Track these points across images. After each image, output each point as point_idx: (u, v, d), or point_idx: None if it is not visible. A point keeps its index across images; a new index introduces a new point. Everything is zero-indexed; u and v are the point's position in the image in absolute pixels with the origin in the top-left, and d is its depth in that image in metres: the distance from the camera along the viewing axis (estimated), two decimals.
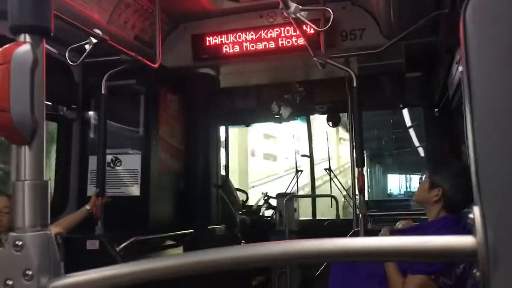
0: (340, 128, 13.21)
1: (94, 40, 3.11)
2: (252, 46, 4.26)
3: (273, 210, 5.68)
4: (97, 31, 3.12)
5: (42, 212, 0.92)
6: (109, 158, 3.97)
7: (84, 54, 3.17)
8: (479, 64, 0.70)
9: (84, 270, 0.88)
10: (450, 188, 2.40)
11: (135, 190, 4.00)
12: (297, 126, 7.16)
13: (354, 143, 3.81)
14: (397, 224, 2.77)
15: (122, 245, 3.43)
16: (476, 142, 0.69)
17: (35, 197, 0.91)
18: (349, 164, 4.70)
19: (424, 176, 2.58)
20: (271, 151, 15.48)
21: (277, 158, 15.55)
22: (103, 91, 3.57)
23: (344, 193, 6.81)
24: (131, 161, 4.04)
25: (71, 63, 3.24)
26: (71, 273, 0.90)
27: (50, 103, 3.88)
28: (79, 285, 0.89)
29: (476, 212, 0.68)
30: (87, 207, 3.55)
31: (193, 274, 0.87)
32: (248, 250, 0.88)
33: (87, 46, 3.15)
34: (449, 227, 2.34)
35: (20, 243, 0.88)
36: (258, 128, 12.72)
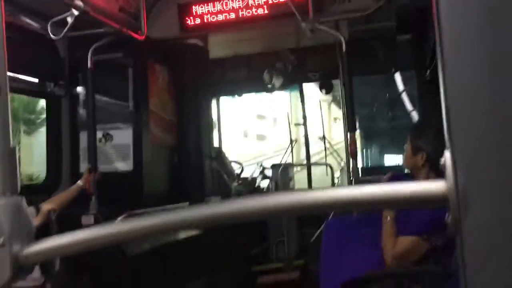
0: (334, 106, 13.16)
1: (76, 12, 3.04)
2: (240, 14, 4.18)
3: (269, 181, 5.69)
4: (79, 2, 3.05)
5: (11, 179, 0.90)
6: (100, 134, 3.94)
7: (67, 27, 3.11)
8: (450, 14, 0.67)
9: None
10: (433, 150, 2.39)
11: (128, 165, 3.99)
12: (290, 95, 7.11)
13: (346, 108, 3.79)
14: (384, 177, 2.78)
15: (118, 220, 3.43)
16: (446, 87, 0.67)
17: (2, 164, 0.89)
18: (342, 145, 4.67)
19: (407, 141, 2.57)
20: (263, 131, 15.48)
21: (267, 138, 15.56)
22: (89, 66, 3.52)
23: (340, 161, 6.83)
24: (123, 136, 4.01)
25: (53, 36, 3.18)
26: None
27: (36, 80, 3.82)
28: (53, 249, 0.87)
29: (447, 157, 0.66)
30: (80, 183, 3.55)
31: (167, 231, 0.86)
32: (240, 203, 0.85)
33: (69, 19, 3.09)
34: None
35: None
36: (252, 108, 12.69)
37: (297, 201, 0.75)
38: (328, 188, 0.71)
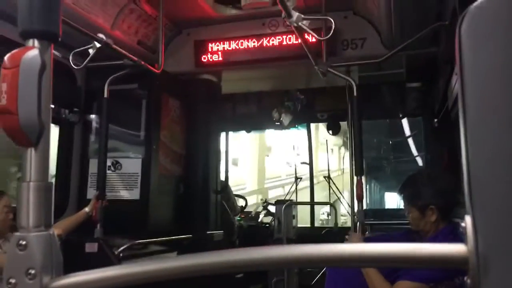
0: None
1: (97, 45, 3.14)
2: (254, 54, 4.29)
3: (272, 217, 5.69)
4: (101, 35, 3.16)
5: (46, 213, 0.94)
6: (109, 161, 3.99)
7: (88, 58, 3.20)
8: (473, 79, 0.72)
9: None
10: (440, 199, 2.34)
11: (135, 194, 4.01)
12: (297, 134, 7.18)
13: (353, 152, 3.83)
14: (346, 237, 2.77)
15: (121, 249, 3.44)
16: (468, 153, 0.71)
17: (39, 198, 0.93)
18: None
19: (405, 207, 2.52)
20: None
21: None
22: (105, 95, 3.60)
23: (343, 201, 6.82)
24: (132, 165, 4.06)
25: (74, 67, 3.27)
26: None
27: (52, 106, 3.89)
28: (80, 284, 0.90)
29: (467, 221, 0.70)
30: (87, 209, 3.57)
31: (190, 277, 0.89)
32: (242, 253, 0.89)
33: (90, 51, 3.19)
34: (448, 238, 2.32)
35: (24, 242, 0.90)
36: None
37: (318, 254, 0.79)
38: (350, 245, 0.75)
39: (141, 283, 0.88)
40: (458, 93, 0.76)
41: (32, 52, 0.94)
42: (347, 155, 12.36)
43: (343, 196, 6.72)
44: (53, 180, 3.98)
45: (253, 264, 0.87)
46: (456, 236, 2.31)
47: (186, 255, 0.93)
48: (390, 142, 9.62)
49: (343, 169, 11.80)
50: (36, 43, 0.96)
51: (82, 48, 3.26)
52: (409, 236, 2.55)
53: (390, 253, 0.76)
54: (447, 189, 2.36)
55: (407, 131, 7.25)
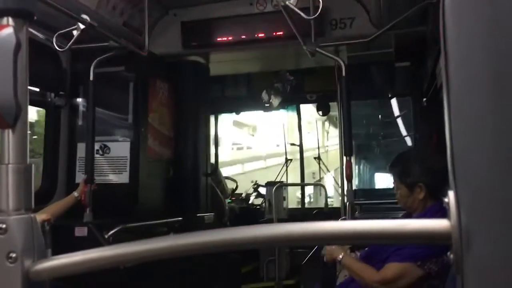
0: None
1: (81, 26, 3.08)
2: (242, 34, 4.24)
3: (262, 199, 5.71)
4: (85, 16, 3.09)
5: (26, 196, 0.92)
6: (97, 145, 3.95)
7: (72, 40, 3.14)
8: (457, 54, 0.71)
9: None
10: (428, 177, 2.38)
11: (124, 178, 3.99)
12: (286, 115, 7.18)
13: (342, 132, 3.83)
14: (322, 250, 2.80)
15: (111, 232, 3.43)
16: (452, 130, 0.71)
17: (18, 181, 0.91)
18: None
19: (394, 184, 2.54)
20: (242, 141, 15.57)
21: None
22: (91, 78, 3.55)
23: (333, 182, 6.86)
24: (120, 148, 4.02)
25: (58, 49, 3.21)
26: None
27: (37, 90, 3.84)
28: (63, 267, 0.89)
29: (450, 197, 0.70)
30: (75, 194, 3.54)
31: (179, 257, 0.88)
32: (233, 233, 0.88)
33: (74, 32, 3.12)
34: (436, 216, 2.34)
35: (3, 226, 0.89)
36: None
37: (305, 232, 0.78)
38: (334, 222, 0.74)
39: (123, 265, 0.87)
40: (442, 70, 0.75)
41: (7, 30, 0.91)
42: (331, 129, 12.37)
43: (333, 177, 6.75)
44: (40, 165, 3.97)
45: (242, 243, 0.86)
46: (445, 214, 2.31)
47: (172, 236, 0.92)
48: (380, 122, 9.66)
49: (327, 146, 11.76)
50: (11, 21, 0.93)
51: (66, 30, 3.19)
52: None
53: (375, 230, 0.76)
54: (435, 167, 2.38)
55: (396, 111, 7.28)
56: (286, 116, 6.90)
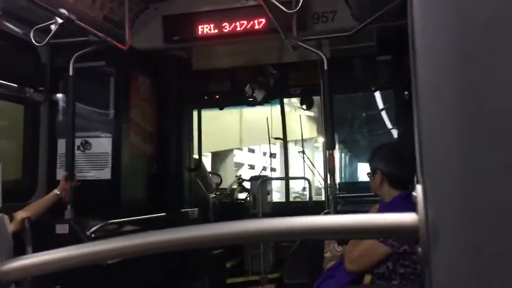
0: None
1: (60, 20, 3.03)
2: (225, 28, 4.21)
3: (247, 193, 5.71)
4: (63, 10, 3.04)
5: None
6: (78, 141, 3.90)
7: (50, 35, 3.09)
8: (424, 48, 0.71)
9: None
10: (384, 166, 2.57)
11: (106, 174, 3.95)
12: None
13: (325, 126, 3.84)
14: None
15: (93, 229, 3.40)
16: (420, 124, 0.70)
17: None
18: None
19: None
20: None
21: None
22: (70, 73, 3.50)
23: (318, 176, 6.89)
24: (102, 144, 3.98)
25: (36, 43, 3.16)
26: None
27: (16, 85, 3.77)
28: (30, 267, 0.88)
29: (418, 190, 0.70)
30: (56, 191, 3.50)
31: (161, 252, 0.86)
32: (216, 228, 0.87)
33: (52, 27, 3.08)
34: (400, 205, 2.45)
35: None
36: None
37: (270, 228, 0.78)
38: (305, 217, 0.74)
39: (91, 263, 0.86)
40: (411, 62, 0.75)
41: None
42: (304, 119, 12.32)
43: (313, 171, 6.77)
44: (20, 162, 3.90)
45: (226, 238, 0.85)
46: (409, 203, 2.38)
47: (151, 232, 0.90)
48: (364, 115, 9.71)
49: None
50: None
51: (44, 24, 3.14)
52: None
53: (345, 225, 0.76)
54: (393, 158, 2.53)
55: (380, 104, 7.32)
56: (270, 110, 6.89)
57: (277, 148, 7.84)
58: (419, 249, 0.69)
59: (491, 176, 0.65)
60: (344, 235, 0.78)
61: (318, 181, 7.09)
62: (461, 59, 0.68)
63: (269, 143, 6.71)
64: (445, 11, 0.70)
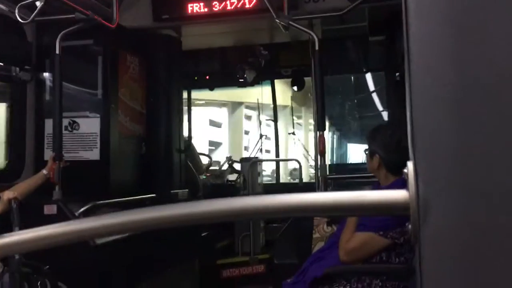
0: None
1: None
2: (215, 7, 4.15)
3: (237, 175, 5.71)
4: None
5: None
6: (66, 121, 3.85)
7: (35, 12, 3.02)
8: (417, 28, 0.70)
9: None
10: (384, 152, 2.51)
11: (94, 154, 3.91)
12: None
13: (316, 107, 3.82)
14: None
15: (81, 210, 3.38)
16: (412, 101, 0.69)
17: None
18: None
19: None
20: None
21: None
22: (57, 51, 3.42)
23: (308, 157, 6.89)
24: (90, 124, 3.93)
25: (21, 21, 3.08)
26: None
27: (1, 64, 3.70)
28: (15, 245, 0.86)
29: (409, 167, 0.69)
30: (44, 172, 3.46)
31: (152, 231, 0.84)
32: (204, 205, 0.85)
33: (38, 3, 3.00)
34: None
35: None
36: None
37: (261, 205, 0.76)
38: (294, 194, 0.72)
39: (76, 241, 0.84)
40: (404, 41, 0.73)
41: None
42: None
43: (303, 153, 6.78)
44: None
45: (215, 215, 0.83)
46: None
47: (139, 209, 0.88)
48: (356, 97, 9.69)
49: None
50: None
51: (28, 1, 3.06)
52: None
53: (334, 201, 0.75)
54: (390, 144, 2.49)
55: (371, 86, 7.31)
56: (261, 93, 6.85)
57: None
58: (409, 226, 0.68)
59: (481, 153, 0.64)
60: (335, 212, 0.77)
61: (308, 163, 7.11)
62: (455, 37, 0.67)
63: (260, 124, 6.70)
64: None
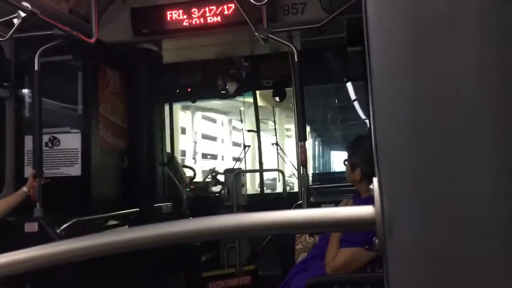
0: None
1: (22, 14, 2.94)
2: (195, 21, 4.17)
3: (221, 186, 5.70)
4: (26, 4, 2.95)
5: None
6: (46, 137, 3.82)
7: (13, 29, 3.01)
8: (377, 42, 0.72)
9: None
10: (365, 166, 2.53)
11: (76, 170, 3.88)
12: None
13: (297, 118, 3.86)
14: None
15: (63, 227, 3.34)
16: (374, 117, 0.71)
17: None
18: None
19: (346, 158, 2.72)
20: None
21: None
22: (36, 68, 3.40)
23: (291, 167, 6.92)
24: (71, 140, 3.90)
25: None
26: None
27: None
28: None
29: (375, 184, 0.71)
30: (25, 189, 3.42)
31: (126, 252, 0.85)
32: (190, 224, 0.86)
33: (15, 21, 2.98)
34: None
35: None
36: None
37: (236, 224, 0.78)
38: (267, 212, 0.74)
39: (56, 264, 0.84)
40: (366, 56, 0.75)
41: None
42: None
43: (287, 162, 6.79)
44: None
45: (200, 234, 0.84)
46: None
47: (119, 230, 0.89)
48: (338, 106, 9.79)
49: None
50: None
51: (6, 18, 3.04)
52: None
53: (306, 219, 0.77)
54: (371, 156, 2.49)
55: (352, 95, 7.39)
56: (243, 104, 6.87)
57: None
58: (376, 241, 0.71)
59: (442, 169, 0.66)
60: (308, 229, 0.79)
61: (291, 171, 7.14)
62: (413, 54, 0.70)
63: (243, 134, 6.71)
64: (398, 7, 0.71)
